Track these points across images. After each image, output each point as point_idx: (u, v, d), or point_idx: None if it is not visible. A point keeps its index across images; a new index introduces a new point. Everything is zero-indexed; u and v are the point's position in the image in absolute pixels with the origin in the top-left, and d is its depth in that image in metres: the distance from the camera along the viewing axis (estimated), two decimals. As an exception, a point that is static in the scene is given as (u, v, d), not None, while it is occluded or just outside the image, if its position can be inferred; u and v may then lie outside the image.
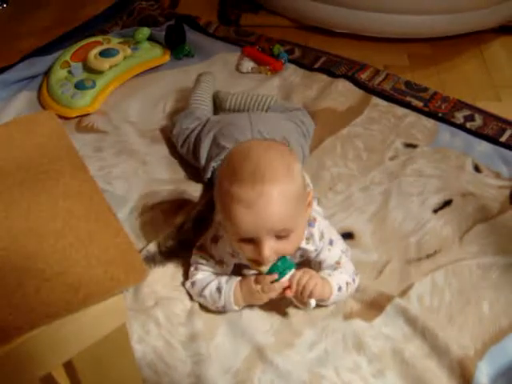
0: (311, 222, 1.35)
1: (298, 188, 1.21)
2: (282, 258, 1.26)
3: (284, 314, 1.37)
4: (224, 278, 1.35)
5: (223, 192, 1.19)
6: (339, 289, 1.33)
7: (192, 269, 1.39)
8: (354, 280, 1.38)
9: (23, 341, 0.67)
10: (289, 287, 1.28)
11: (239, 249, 1.27)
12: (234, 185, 1.16)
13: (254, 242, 1.21)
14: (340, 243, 1.41)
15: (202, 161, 1.64)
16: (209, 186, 1.63)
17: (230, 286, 1.33)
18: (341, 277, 1.35)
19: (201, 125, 1.71)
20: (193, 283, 1.37)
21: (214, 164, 1.59)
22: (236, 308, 1.34)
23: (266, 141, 1.27)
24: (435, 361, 1.28)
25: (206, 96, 1.88)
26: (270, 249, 1.21)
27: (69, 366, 0.79)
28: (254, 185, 1.15)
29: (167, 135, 1.86)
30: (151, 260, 1.46)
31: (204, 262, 1.37)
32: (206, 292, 1.34)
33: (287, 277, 1.28)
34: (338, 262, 1.37)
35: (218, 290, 1.33)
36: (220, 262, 1.37)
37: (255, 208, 1.15)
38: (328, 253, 1.37)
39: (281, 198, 1.16)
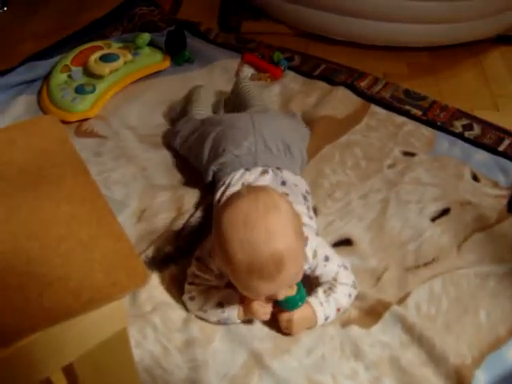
0: (304, 241, 1.35)
1: (300, 233, 1.24)
2: (300, 288, 1.29)
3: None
4: (225, 294, 1.35)
5: (237, 265, 1.18)
6: (326, 319, 1.35)
7: (189, 281, 1.39)
8: (350, 295, 1.38)
9: (24, 344, 0.67)
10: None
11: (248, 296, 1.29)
12: (251, 259, 1.16)
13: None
14: (336, 258, 1.39)
15: (203, 163, 1.63)
16: (208, 190, 1.63)
17: (234, 301, 1.34)
18: (331, 305, 1.35)
19: (202, 126, 1.72)
20: (191, 298, 1.37)
21: (214, 167, 1.59)
22: (238, 321, 1.35)
23: (258, 195, 1.22)
24: (432, 369, 1.28)
25: (206, 107, 1.89)
26: (284, 293, 1.25)
27: (68, 370, 0.79)
28: (271, 255, 1.15)
29: (166, 140, 1.87)
30: (150, 265, 1.46)
31: (202, 274, 1.36)
32: (208, 308, 1.34)
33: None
34: (334, 279, 1.37)
35: (221, 305, 1.34)
36: (219, 276, 1.36)
37: (277, 278, 1.17)
38: (324, 268, 1.37)
39: (295, 255, 1.20)
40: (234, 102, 1.95)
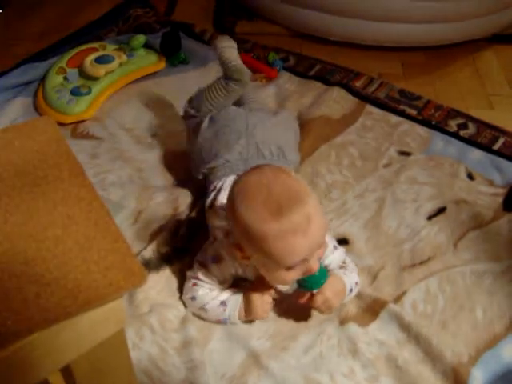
0: None
1: (314, 194, 1.23)
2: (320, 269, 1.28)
3: (279, 318, 1.38)
4: (227, 293, 1.36)
5: (267, 234, 1.16)
6: (350, 291, 1.37)
7: (190, 284, 1.38)
8: (357, 282, 1.40)
9: (22, 346, 0.67)
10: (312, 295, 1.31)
11: (279, 276, 1.26)
12: (281, 222, 1.15)
13: (301, 262, 1.22)
14: (341, 249, 1.43)
15: (196, 161, 1.63)
16: (202, 190, 1.62)
17: (235, 302, 1.34)
18: (352, 277, 1.38)
19: (200, 122, 1.67)
20: (193, 298, 1.37)
21: (204, 170, 1.58)
22: (238, 322, 1.36)
23: (265, 168, 1.24)
24: (429, 367, 1.29)
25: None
26: (317, 262, 1.24)
27: (66, 372, 0.80)
28: (299, 212, 1.15)
29: (162, 141, 1.87)
30: (146, 266, 1.46)
31: (206, 279, 1.36)
32: (209, 306, 1.34)
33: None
34: (344, 262, 1.41)
35: (223, 303, 1.34)
36: (222, 282, 1.37)
37: (309, 232, 1.16)
38: (332, 256, 1.38)
39: (318, 212, 1.19)
40: None
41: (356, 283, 1.39)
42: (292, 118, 1.85)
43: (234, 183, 1.26)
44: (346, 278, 1.36)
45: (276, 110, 1.85)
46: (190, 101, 1.74)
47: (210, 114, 1.67)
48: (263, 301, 1.34)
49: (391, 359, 1.30)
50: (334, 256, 1.39)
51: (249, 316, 1.35)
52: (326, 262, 1.37)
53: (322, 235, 1.21)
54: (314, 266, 1.23)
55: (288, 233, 1.15)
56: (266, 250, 1.18)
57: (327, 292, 1.30)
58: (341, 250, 1.42)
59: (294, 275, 1.24)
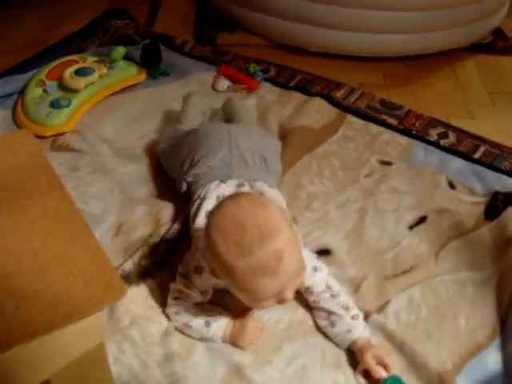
0: None
1: (291, 227, 1.23)
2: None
3: (262, 332, 1.37)
4: (212, 315, 1.35)
5: (236, 271, 1.16)
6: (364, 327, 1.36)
7: (174, 296, 1.38)
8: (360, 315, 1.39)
9: (1, 360, 0.67)
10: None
11: (256, 306, 1.29)
12: (249, 261, 1.15)
13: (277, 294, 1.22)
14: (324, 268, 1.41)
15: (178, 173, 1.63)
16: (185, 203, 1.61)
17: (219, 325, 1.34)
18: (360, 320, 1.36)
19: (180, 136, 1.71)
20: (177, 312, 1.36)
21: (188, 178, 1.57)
22: (220, 342, 1.35)
23: (241, 199, 1.22)
24: (414, 376, 1.29)
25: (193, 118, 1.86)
26: (292, 292, 1.24)
27: (46, 387, 0.79)
28: (268, 251, 1.14)
29: (142, 154, 1.86)
30: (126, 279, 1.45)
31: (188, 291, 1.35)
32: (193, 324, 1.34)
33: None
34: (328, 286, 1.38)
35: (207, 324, 1.33)
36: (204, 292, 1.36)
37: (279, 271, 1.16)
38: (314, 278, 1.37)
39: (291, 247, 1.19)
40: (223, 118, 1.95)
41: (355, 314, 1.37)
42: (269, 132, 1.88)
43: (211, 212, 1.27)
44: (363, 327, 1.35)
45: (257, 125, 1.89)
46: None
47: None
48: (256, 328, 1.34)
49: (375, 370, 1.30)
50: (315, 279, 1.38)
51: (236, 341, 1.34)
52: (309, 284, 1.37)
53: (295, 270, 1.21)
54: (289, 297, 1.23)
55: (257, 272, 1.15)
56: (237, 284, 1.20)
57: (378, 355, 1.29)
58: (323, 271, 1.40)
59: (267, 304, 1.26)
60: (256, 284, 1.17)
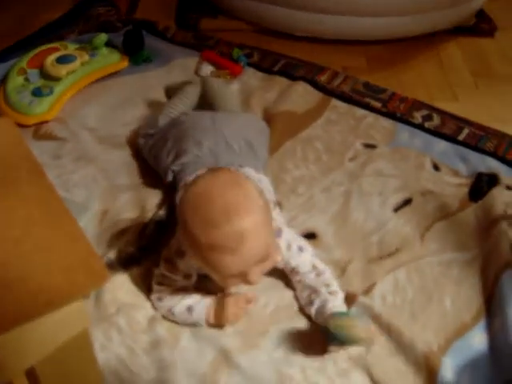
0: (278, 233, 1.36)
1: (265, 211, 1.22)
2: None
3: (249, 316, 1.38)
4: (194, 299, 1.35)
5: (200, 244, 1.17)
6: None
7: (157, 281, 1.38)
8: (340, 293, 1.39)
9: (-17, 349, 0.66)
10: None
11: (224, 284, 1.29)
12: (211, 235, 1.15)
13: (241, 273, 1.22)
14: (309, 249, 1.42)
15: (163, 163, 1.62)
16: (169, 190, 1.61)
17: (202, 307, 1.34)
18: (339, 296, 1.36)
19: (163, 127, 1.71)
20: (160, 298, 1.36)
21: (175, 167, 1.57)
22: (204, 325, 1.35)
23: (218, 174, 1.24)
24: (401, 358, 1.30)
25: (179, 108, 1.81)
26: (257, 274, 1.23)
27: (31, 374, 0.78)
28: (231, 228, 1.14)
29: (126, 141, 1.85)
30: (112, 267, 1.45)
31: (171, 275, 1.36)
32: (176, 310, 1.34)
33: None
34: (314, 266, 1.39)
35: (189, 308, 1.33)
36: (187, 276, 1.36)
37: (240, 251, 1.16)
38: (299, 259, 1.38)
39: (258, 230, 1.18)
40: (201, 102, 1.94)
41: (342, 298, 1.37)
42: (255, 118, 1.87)
43: (189, 184, 1.27)
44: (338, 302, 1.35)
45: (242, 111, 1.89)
46: (145, 126, 1.78)
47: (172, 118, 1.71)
48: (237, 306, 1.34)
49: (362, 352, 1.30)
50: (301, 260, 1.38)
51: (219, 321, 1.34)
52: (294, 264, 1.38)
53: (259, 254, 1.20)
54: (253, 279, 1.23)
55: (217, 248, 1.16)
56: (201, 260, 1.21)
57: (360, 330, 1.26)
58: (308, 251, 1.41)
59: (233, 283, 1.27)
60: (217, 260, 1.18)
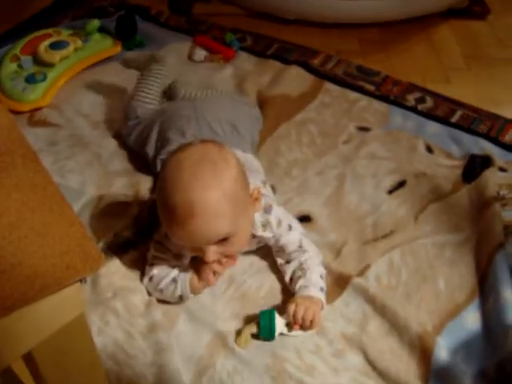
0: (268, 210, 1.37)
1: (236, 191, 1.22)
2: (265, 315, 1.30)
3: (243, 298, 1.39)
4: (178, 270, 1.36)
5: (161, 207, 1.23)
6: (321, 289, 1.34)
7: (149, 263, 1.39)
8: (321, 263, 1.40)
9: (-20, 334, 0.67)
10: (295, 323, 1.29)
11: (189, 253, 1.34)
12: (170, 200, 1.18)
13: (197, 249, 1.25)
14: (299, 227, 1.43)
15: (150, 154, 1.64)
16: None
17: (185, 275, 1.34)
18: (315, 277, 1.35)
19: (146, 118, 1.71)
20: (150, 278, 1.37)
21: (161, 157, 1.59)
22: (192, 295, 1.35)
23: (199, 148, 1.25)
24: (396, 338, 1.31)
25: (152, 90, 1.81)
26: (214, 254, 1.25)
27: (28, 358, 0.79)
28: (182, 200, 1.17)
29: (120, 126, 1.85)
30: (108, 251, 1.45)
31: (161, 255, 1.37)
32: (163, 285, 1.34)
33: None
34: (300, 246, 1.39)
35: (174, 280, 1.34)
36: (177, 256, 1.37)
37: (186, 227, 1.18)
38: (288, 237, 1.39)
39: (217, 211, 1.18)
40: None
41: (321, 275, 1.37)
42: (245, 102, 1.87)
43: (173, 152, 1.30)
44: (312, 289, 1.33)
45: (225, 94, 1.90)
46: (127, 116, 1.78)
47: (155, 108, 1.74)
48: (210, 267, 1.31)
49: (357, 333, 1.32)
50: (289, 237, 1.39)
51: (202, 284, 1.33)
52: (283, 242, 1.38)
53: (211, 235, 1.21)
54: (208, 258, 1.24)
55: (169, 216, 1.20)
56: (164, 225, 1.26)
57: (308, 312, 1.27)
58: (297, 230, 1.41)
59: (192, 253, 1.32)
60: (170, 228, 1.23)
